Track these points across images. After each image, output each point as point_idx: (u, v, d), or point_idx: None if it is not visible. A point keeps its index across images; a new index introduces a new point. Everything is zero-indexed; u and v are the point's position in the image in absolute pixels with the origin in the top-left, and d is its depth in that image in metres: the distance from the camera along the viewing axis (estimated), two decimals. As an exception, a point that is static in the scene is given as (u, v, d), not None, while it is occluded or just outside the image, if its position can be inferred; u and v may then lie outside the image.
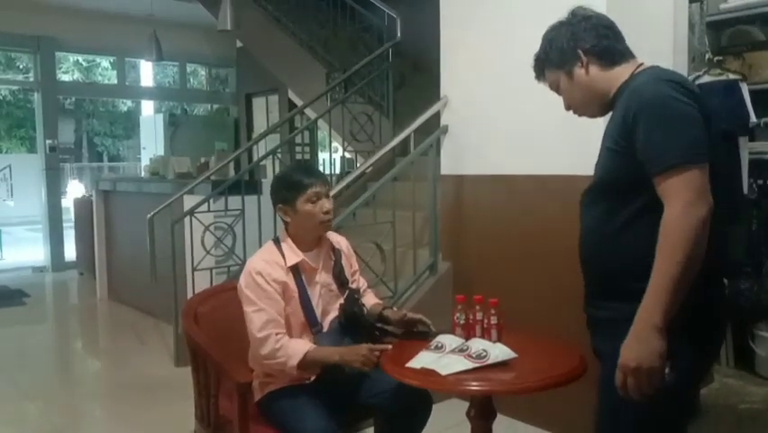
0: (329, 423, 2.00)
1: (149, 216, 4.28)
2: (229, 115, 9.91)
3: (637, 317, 1.40)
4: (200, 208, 4.24)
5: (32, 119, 9.25)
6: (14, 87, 14.89)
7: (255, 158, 5.49)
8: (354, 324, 2.14)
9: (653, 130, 1.41)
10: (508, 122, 3.13)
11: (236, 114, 9.27)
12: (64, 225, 8.14)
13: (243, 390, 2.05)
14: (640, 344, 1.39)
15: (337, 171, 6.05)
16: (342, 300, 2.18)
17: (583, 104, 1.67)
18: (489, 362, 1.83)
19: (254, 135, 7.68)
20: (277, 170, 4.66)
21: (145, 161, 8.44)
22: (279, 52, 6.09)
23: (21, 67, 13.51)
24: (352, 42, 5.67)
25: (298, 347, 2.04)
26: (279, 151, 4.86)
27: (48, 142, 7.85)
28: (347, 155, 5.92)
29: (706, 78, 3.38)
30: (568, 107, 1.71)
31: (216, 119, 10.72)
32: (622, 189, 1.52)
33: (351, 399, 2.17)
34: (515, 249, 3.13)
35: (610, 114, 1.61)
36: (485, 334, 2.03)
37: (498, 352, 1.87)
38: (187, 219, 4.22)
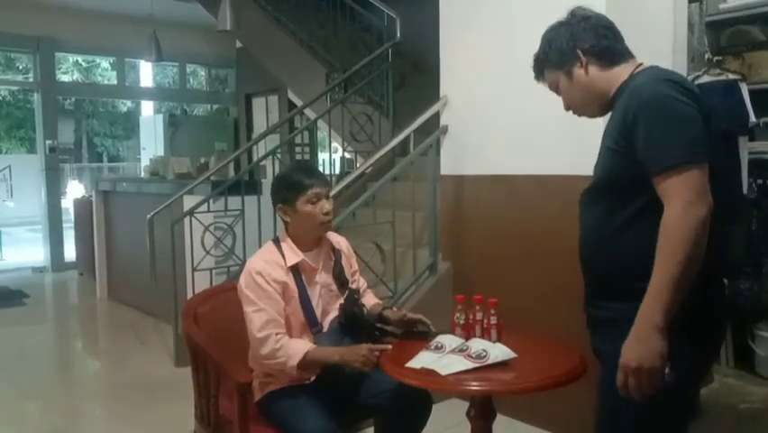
0: (329, 423, 2.00)
1: (149, 216, 4.28)
2: (229, 115, 9.91)
3: (638, 317, 1.41)
4: (200, 209, 4.24)
5: (32, 119, 9.25)
6: (14, 88, 14.91)
7: (255, 158, 5.49)
8: (354, 324, 2.14)
9: (653, 130, 1.42)
10: (508, 122, 3.13)
11: (236, 114, 9.27)
12: (64, 225, 8.14)
13: (243, 390, 2.05)
14: (641, 344, 1.39)
15: (337, 172, 6.05)
16: (342, 300, 2.18)
17: (583, 104, 1.67)
18: (489, 362, 1.83)
19: (254, 136, 7.69)
20: (277, 170, 4.67)
21: (145, 162, 8.44)
22: (279, 52, 6.09)
23: (20, 67, 13.53)
24: (351, 42, 5.68)
25: (298, 347, 2.04)
26: (279, 151, 4.86)
27: (48, 142, 7.85)
28: (347, 155, 5.93)
29: (705, 78, 3.38)
30: (567, 107, 1.71)
31: (216, 119, 10.73)
32: (622, 189, 1.52)
33: (351, 399, 2.17)
34: (515, 249, 3.13)
35: (610, 114, 1.61)
36: (485, 334, 2.03)
37: (498, 352, 1.87)
38: (186, 219, 4.22)
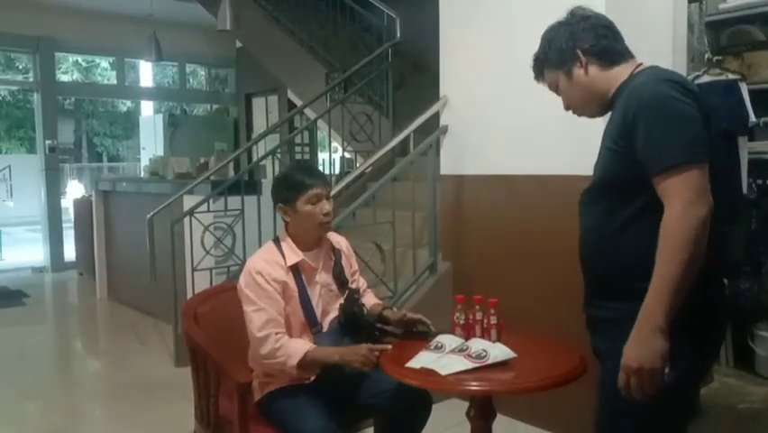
0: (329, 423, 2.00)
1: (148, 216, 4.28)
2: (228, 115, 9.91)
3: (639, 317, 1.41)
4: (200, 208, 4.24)
5: (32, 119, 9.25)
6: (14, 88, 14.90)
7: (255, 158, 5.49)
8: (354, 324, 2.14)
9: (653, 130, 1.42)
10: (508, 122, 3.13)
11: (236, 114, 9.27)
12: (64, 225, 8.14)
13: (243, 390, 2.05)
14: (642, 344, 1.39)
15: (337, 171, 6.05)
16: (341, 300, 2.18)
17: (582, 104, 1.67)
18: (489, 362, 1.83)
19: (254, 135, 7.69)
20: (276, 170, 4.67)
21: (145, 162, 8.45)
22: (279, 52, 6.09)
23: (20, 67, 13.52)
24: (351, 42, 5.68)
25: (298, 347, 2.04)
26: (279, 151, 4.86)
27: (47, 142, 7.85)
28: (347, 155, 5.93)
29: (705, 78, 3.38)
30: (567, 107, 1.71)
31: (216, 119, 10.73)
32: (621, 189, 1.52)
33: (351, 399, 2.17)
34: (515, 249, 3.13)
35: (610, 113, 1.61)
36: (485, 334, 2.03)
37: (498, 352, 1.87)
38: (186, 219, 4.22)
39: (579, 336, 1.76)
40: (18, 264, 8.48)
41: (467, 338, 2.02)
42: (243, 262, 3.95)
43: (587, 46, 1.60)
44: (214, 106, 10.97)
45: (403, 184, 3.73)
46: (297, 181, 2.13)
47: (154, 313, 5.31)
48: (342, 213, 3.40)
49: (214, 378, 2.17)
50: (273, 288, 2.07)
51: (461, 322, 2.07)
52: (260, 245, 2.57)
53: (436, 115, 3.53)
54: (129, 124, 16.01)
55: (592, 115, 1.70)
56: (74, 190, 11.14)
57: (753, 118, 3.34)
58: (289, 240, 2.18)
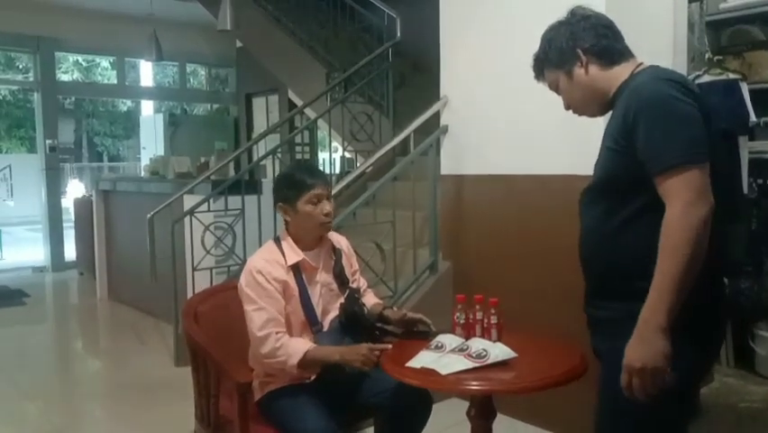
0: (329, 423, 2.00)
1: (149, 215, 4.28)
2: (229, 114, 9.91)
3: (641, 317, 1.40)
4: (200, 208, 4.24)
5: (32, 119, 9.24)
6: (14, 87, 14.91)
7: (255, 158, 5.49)
8: (354, 323, 2.14)
9: (654, 129, 1.42)
10: (508, 122, 3.13)
11: (236, 114, 9.27)
12: (64, 225, 8.14)
13: (243, 389, 2.05)
14: (644, 344, 1.39)
15: (337, 171, 6.05)
16: (342, 300, 2.19)
17: (583, 103, 1.67)
18: (489, 361, 1.83)
19: (254, 135, 7.68)
20: (277, 169, 4.67)
21: (145, 161, 8.44)
22: (279, 52, 6.09)
23: (20, 67, 13.52)
24: (352, 42, 5.68)
25: (299, 346, 2.04)
26: (279, 151, 4.86)
27: (48, 142, 7.85)
28: (347, 155, 5.93)
29: (706, 78, 3.37)
30: (567, 107, 1.71)
31: (216, 119, 10.72)
32: (621, 189, 1.52)
33: (351, 398, 2.17)
34: (515, 249, 3.13)
35: (610, 113, 1.61)
36: (485, 333, 2.03)
37: (498, 351, 1.87)
38: (187, 219, 4.22)
39: (579, 336, 1.76)
40: (18, 264, 8.48)
41: (467, 338, 2.02)
42: (244, 261, 3.95)
43: (587, 45, 1.59)
44: (215, 106, 10.97)
45: (403, 184, 3.73)
46: (298, 181, 2.13)
47: (154, 313, 5.31)
48: (343, 212, 3.40)
49: (215, 378, 2.17)
50: (274, 287, 2.07)
51: (462, 322, 2.07)
52: (260, 245, 2.57)
53: (436, 115, 3.53)
54: (129, 124, 16.01)
55: (593, 115, 1.70)
56: (74, 190, 11.15)
57: (753, 118, 3.34)
58: (290, 239, 2.18)
